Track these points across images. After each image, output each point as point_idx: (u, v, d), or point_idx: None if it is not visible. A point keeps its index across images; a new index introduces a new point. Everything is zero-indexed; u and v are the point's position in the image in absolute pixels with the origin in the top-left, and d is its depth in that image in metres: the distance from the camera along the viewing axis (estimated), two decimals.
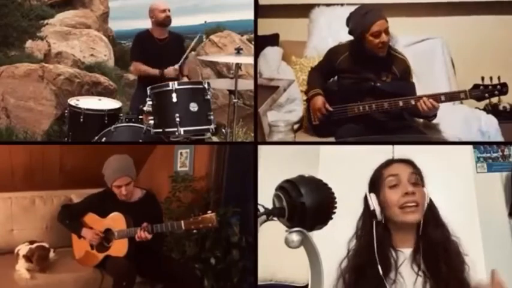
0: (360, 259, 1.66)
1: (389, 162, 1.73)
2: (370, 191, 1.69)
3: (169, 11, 3.24)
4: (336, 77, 2.89)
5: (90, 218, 2.56)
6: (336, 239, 1.56)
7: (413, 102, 2.57)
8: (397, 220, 1.64)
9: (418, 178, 1.67)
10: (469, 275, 1.61)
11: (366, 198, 1.70)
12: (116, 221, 2.47)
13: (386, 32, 2.62)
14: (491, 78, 2.52)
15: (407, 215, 1.62)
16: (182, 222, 2.35)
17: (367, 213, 1.68)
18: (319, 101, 2.79)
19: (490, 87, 2.52)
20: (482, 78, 2.53)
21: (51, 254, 2.48)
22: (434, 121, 2.86)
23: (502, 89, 2.52)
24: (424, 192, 1.66)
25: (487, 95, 2.53)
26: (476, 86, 2.55)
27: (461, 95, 2.57)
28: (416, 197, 1.63)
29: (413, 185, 1.65)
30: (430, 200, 1.67)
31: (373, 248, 1.60)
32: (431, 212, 1.67)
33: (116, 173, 2.49)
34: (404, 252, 1.65)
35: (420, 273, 1.60)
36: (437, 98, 2.54)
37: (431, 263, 1.60)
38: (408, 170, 1.68)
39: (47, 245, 2.49)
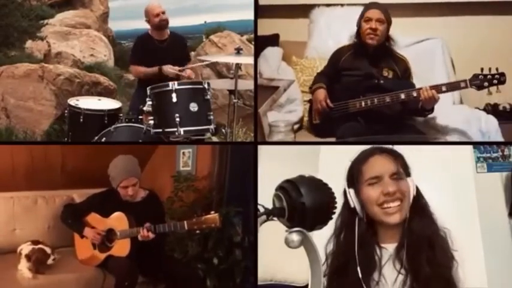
0: (339, 261, 1.55)
1: (369, 155, 1.58)
2: (349, 186, 1.56)
3: (163, 13, 3.20)
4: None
5: (93, 217, 2.57)
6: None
7: (415, 94, 2.63)
8: (379, 220, 1.54)
9: (401, 173, 1.54)
10: (457, 272, 1.52)
11: (345, 194, 1.58)
12: (119, 221, 2.47)
13: (379, 21, 2.71)
14: (489, 69, 2.59)
15: (388, 216, 1.51)
16: (185, 222, 2.35)
17: (347, 209, 1.56)
18: (322, 93, 2.81)
19: (489, 76, 2.59)
20: (482, 69, 2.60)
21: (50, 260, 2.45)
22: (434, 120, 2.87)
23: (501, 78, 2.59)
24: (408, 185, 1.54)
25: (486, 83, 2.59)
26: (475, 76, 2.61)
27: (462, 84, 2.63)
28: (398, 195, 1.51)
29: (395, 180, 1.53)
30: (417, 191, 1.57)
31: (354, 247, 1.49)
32: (418, 203, 1.56)
33: (123, 174, 2.49)
34: (389, 250, 1.56)
35: (402, 271, 1.51)
36: (438, 88, 2.60)
37: (413, 260, 1.50)
38: (390, 165, 1.54)
39: (48, 250, 2.46)
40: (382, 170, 1.54)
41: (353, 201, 1.54)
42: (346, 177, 1.59)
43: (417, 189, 1.58)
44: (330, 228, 1.53)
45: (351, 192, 1.55)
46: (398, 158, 1.57)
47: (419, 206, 1.57)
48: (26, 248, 2.45)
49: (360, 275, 1.47)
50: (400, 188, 1.53)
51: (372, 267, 1.52)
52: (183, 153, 3.18)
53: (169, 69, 3.13)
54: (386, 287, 1.51)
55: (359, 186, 1.55)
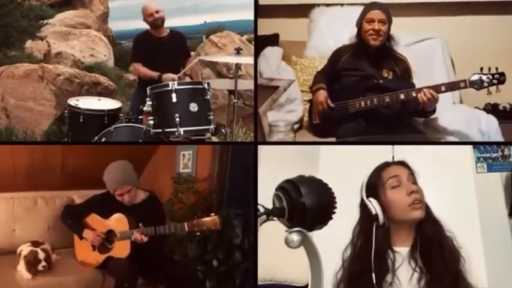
0: (356, 266, 1.66)
1: (386, 165, 1.74)
2: (367, 196, 1.67)
3: (157, 12, 3.24)
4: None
5: (93, 218, 2.56)
6: (331, 248, 1.54)
7: (414, 94, 2.62)
8: (403, 218, 1.65)
9: (414, 178, 1.71)
10: (464, 267, 1.63)
11: (362, 205, 1.69)
12: (119, 222, 2.47)
13: (381, 21, 2.70)
14: (489, 68, 2.58)
15: (414, 211, 1.64)
16: (185, 224, 2.35)
17: (366, 219, 1.68)
18: (322, 94, 2.80)
19: (488, 76, 2.57)
20: (481, 69, 2.59)
21: (40, 267, 2.41)
22: (434, 120, 2.87)
23: (500, 77, 2.57)
24: (422, 189, 1.69)
25: (486, 83, 2.57)
26: (475, 75, 2.59)
27: (461, 84, 2.62)
28: (420, 194, 1.66)
29: (412, 183, 1.68)
30: None
31: (370, 254, 1.61)
32: (427, 209, 1.70)
33: (116, 182, 2.50)
34: (401, 253, 1.66)
35: (417, 269, 1.62)
36: (437, 88, 2.59)
37: (427, 259, 1.62)
38: (405, 171, 1.70)
39: (41, 255, 2.43)
40: (399, 173, 1.69)
41: (375, 209, 1.63)
42: (365, 187, 1.70)
43: None
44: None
45: (372, 201, 1.65)
46: (411, 169, 1.73)
47: (427, 211, 1.69)
48: (25, 249, 2.45)
49: (374, 281, 1.57)
50: (419, 188, 1.68)
51: (385, 270, 1.62)
52: (183, 154, 3.18)
53: (169, 77, 3.12)
54: (400, 286, 1.61)
55: (381, 190, 1.67)
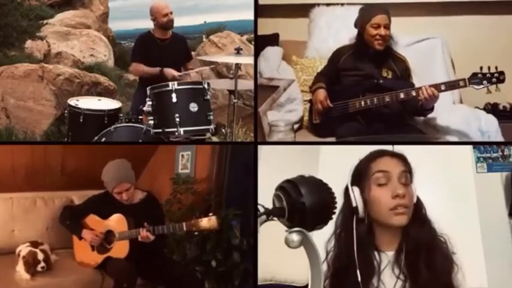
0: (340, 263, 1.53)
1: (379, 155, 1.57)
2: (352, 184, 1.53)
3: (171, 13, 3.22)
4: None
5: (92, 219, 2.56)
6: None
7: (414, 93, 2.62)
8: (384, 222, 1.52)
9: (408, 177, 1.54)
10: (456, 277, 1.51)
11: (346, 192, 1.54)
12: (118, 222, 2.47)
13: (386, 27, 2.72)
14: (489, 67, 2.58)
15: (395, 217, 1.49)
16: (184, 224, 2.36)
17: (348, 209, 1.53)
18: (322, 94, 2.81)
19: (488, 75, 2.58)
20: (481, 68, 2.59)
21: (39, 268, 2.40)
22: (434, 120, 2.87)
23: (500, 76, 2.58)
24: (413, 191, 1.54)
25: (485, 82, 2.58)
26: (474, 74, 2.60)
27: (461, 83, 2.62)
28: (406, 199, 1.50)
29: (403, 185, 1.51)
30: (418, 199, 1.57)
31: (353, 250, 1.47)
32: (417, 210, 1.55)
33: (115, 180, 2.50)
34: (388, 255, 1.54)
35: (401, 276, 1.49)
36: (437, 87, 2.59)
37: (412, 266, 1.49)
38: (399, 167, 1.53)
39: (40, 256, 2.43)
40: (391, 168, 1.53)
41: (356, 200, 1.51)
42: (351, 174, 1.56)
43: (417, 197, 1.58)
44: (331, 225, 1.51)
45: (355, 191, 1.52)
46: (407, 164, 1.57)
47: (418, 213, 1.56)
48: (24, 250, 2.44)
49: (359, 279, 1.46)
50: (408, 190, 1.52)
51: (371, 272, 1.51)
52: (182, 155, 3.18)
53: (171, 73, 3.11)
54: None
55: (366, 183, 1.53)
